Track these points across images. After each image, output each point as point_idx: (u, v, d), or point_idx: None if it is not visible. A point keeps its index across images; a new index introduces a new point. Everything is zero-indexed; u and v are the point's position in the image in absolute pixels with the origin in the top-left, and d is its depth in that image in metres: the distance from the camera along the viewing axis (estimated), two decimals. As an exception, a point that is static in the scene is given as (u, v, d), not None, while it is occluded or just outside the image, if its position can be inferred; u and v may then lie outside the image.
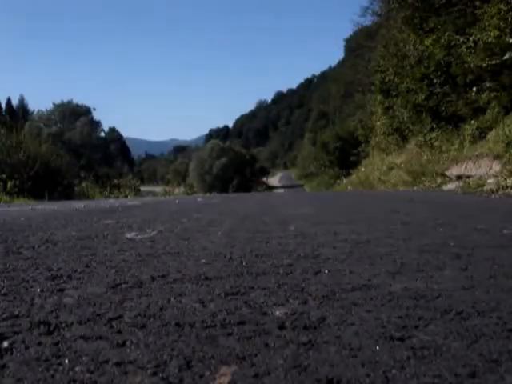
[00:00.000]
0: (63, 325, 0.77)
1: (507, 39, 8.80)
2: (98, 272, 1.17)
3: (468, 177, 8.34)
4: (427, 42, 12.15)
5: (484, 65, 9.33)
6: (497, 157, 8.02)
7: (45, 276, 1.13)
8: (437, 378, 0.57)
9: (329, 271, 1.18)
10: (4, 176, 8.65)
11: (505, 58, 8.34)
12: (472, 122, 10.45)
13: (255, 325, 0.77)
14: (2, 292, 0.98)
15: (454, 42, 10.57)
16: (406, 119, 14.07)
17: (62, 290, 1.00)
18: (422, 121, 12.77)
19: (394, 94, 14.52)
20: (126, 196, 12.16)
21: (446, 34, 11.07)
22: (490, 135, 9.37)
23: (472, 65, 9.72)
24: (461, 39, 10.33)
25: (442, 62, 11.41)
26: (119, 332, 0.74)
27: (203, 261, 1.31)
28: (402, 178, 11.84)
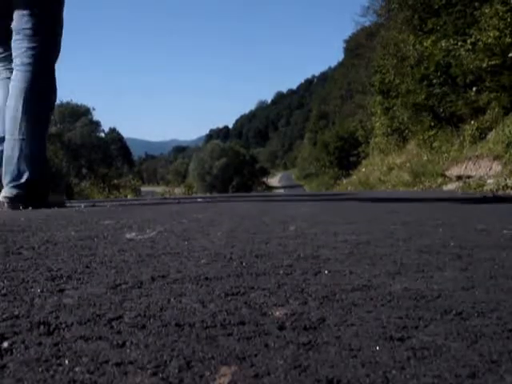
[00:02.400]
0: (63, 325, 0.77)
1: (507, 39, 8.82)
2: (98, 272, 1.17)
3: (468, 177, 8.34)
4: (427, 42, 12.17)
5: (484, 65, 9.34)
6: (497, 157, 8.03)
7: (45, 276, 1.12)
8: (437, 378, 0.56)
9: (329, 272, 1.17)
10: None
11: (510, 55, 8.34)
12: (472, 122, 10.47)
13: (255, 325, 0.77)
14: (2, 292, 0.98)
15: (452, 46, 10.58)
16: (405, 120, 14.09)
17: (62, 291, 1.00)
18: (422, 121, 12.79)
19: (394, 94, 14.54)
20: (126, 196, 12.16)
21: (445, 38, 11.09)
22: (490, 135, 9.38)
23: (471, 66, 9.74)
24: (459, 42, 10.35)
25: (442, 62, 11.42)
26: (119, 332, 0.73)
27: (203, 261, 1.31)
28: (402, 178, 11.85)
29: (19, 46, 2.79)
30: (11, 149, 2.70)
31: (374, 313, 0.83)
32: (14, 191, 2.69)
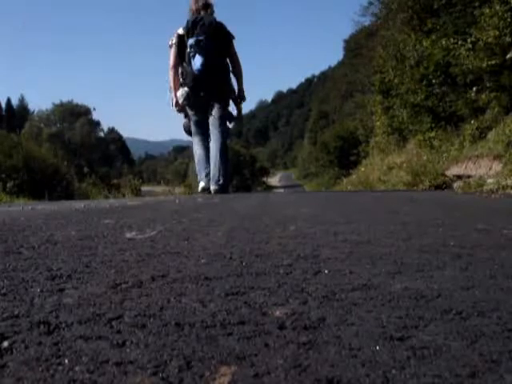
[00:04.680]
0: (63, 325, 0.77)
1: (507, 39, 8.81)
2: (98, 272, 1.17)
3: (468, 177, 8.33)
4: (426, 42, 12.16)
5: (484, 65, 9.33)
6: (497, 157, 8.02)
7: (45, 276, 1.12)
8: (437, 377, 0.56)
9: (329, 271, 1.17)
10: (4, 176, 8.65)
11: (508, 56, 8.33)
12: (472, 122, 10.46)
13: (255, 325, 0.77)
14: (2, 292, 0.98)
15: (452, 45, 10.57)
16: (405, 119, 14.08)
17: (61, 290, 1.00)
18: (422, 121, 12.78)
19: (394, 94, 14.53)
20: (126, 195, 12.15)
21: (444, 38, 11.08)
22: (490, 135, 9.38)
23: (471, 65, 9.73)
24: (459, 42, 10.34)
25: (442, 62, 11.42)
26: (119, 332, 0.73)
27: (203, 261, 1.31)
28: (402, 178, 11.84)
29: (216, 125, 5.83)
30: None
31: (374, 313, 0.83)
32: (217, 187, 5.68)
